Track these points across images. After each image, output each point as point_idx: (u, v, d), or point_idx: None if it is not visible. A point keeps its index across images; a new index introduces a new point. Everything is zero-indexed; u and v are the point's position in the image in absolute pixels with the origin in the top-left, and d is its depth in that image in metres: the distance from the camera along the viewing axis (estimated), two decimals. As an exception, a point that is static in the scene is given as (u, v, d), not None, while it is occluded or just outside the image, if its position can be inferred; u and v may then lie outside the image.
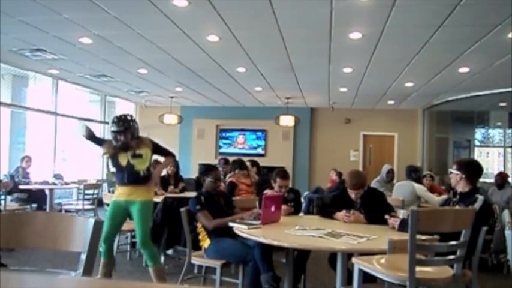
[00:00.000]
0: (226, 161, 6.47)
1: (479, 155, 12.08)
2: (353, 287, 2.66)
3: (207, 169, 3.96)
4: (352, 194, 3.57)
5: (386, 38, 5.35)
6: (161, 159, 4.25)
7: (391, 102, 10.64)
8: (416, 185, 5.73)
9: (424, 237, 2.62)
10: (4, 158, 7.97)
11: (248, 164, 5.98)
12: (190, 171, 10.70)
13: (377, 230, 3.09)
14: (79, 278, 1.27)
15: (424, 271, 2.47)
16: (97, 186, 7.27)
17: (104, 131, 10.84)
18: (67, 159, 10.32)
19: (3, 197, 6.01)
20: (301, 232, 2.97)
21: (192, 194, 4.25)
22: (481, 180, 3.99)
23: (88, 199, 7.03)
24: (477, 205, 2.95)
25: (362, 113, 11.95)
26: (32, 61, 7.27)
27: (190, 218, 3.55)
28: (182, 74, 8.08)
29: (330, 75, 7.78)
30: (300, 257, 3.61)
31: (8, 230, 1.48)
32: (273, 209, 3.38)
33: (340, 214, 3.47)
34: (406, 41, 5.55)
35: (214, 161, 9.69)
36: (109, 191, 6.69)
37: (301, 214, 4.43)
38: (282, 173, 3.99)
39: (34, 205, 7.10)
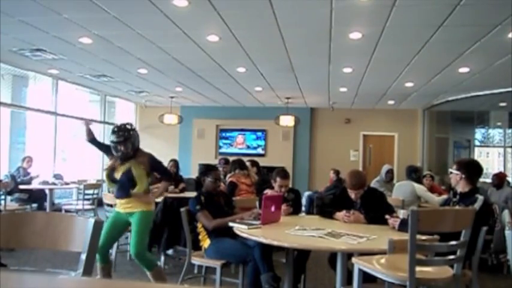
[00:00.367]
0: (227, 161, 6.47)
1: (479, 155, 12.09)
2: (353, 287, 2.65)
3: (207, 169, 3.95)
4: (352, 194, 3.57)
5: (386, 38, 5.35)
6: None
7: (391, 102, 10.64)
8: (416, 185, 5.73)
9: (424, 237, 2.62)
10: (4, 158, 7.97)
11: (248, 164, 5.98)
12: (190, 171, 10.69)
13: (377, 230, 3.09)
14: (79, 278, 1.27)
15: (424, 271, 2.47)
16: (97, 186, 7.27)
17: (104, 131, 10.85)
18: (67, 159, 10.32)
19: (3, 197, 6.02)
20: (301, 232, 2.97)
21: (192, 194, 4.25)
22: (481, 180, 4.00)
23: (88, 199, 7.03)
24: (477, 205, 2.95)
25: (362, 113, 11.95)
26: (32, 61, 7.27)
27: (190, 218, 3.55)
28: (182, 74, 8.08)
29: (330, 75, 7.77)
30: (300, 257, 3.61)
31: (8, 230, 1.48)
32: (273, 209, 3.38)
33: (340, 214, 3.47)
34: (406, 41, 5.55)
35: (214, 161, 9.68)
36: (109, 191, 6.68)
37: (303, 214, 4.44)
38: (282, 173, 3.99)
39: (34, 205, 7.11)
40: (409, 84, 8.39)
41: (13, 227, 1.50)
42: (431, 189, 6.17)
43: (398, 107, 11.36)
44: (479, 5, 4.31)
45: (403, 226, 2.98)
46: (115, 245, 4.67)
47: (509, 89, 8.00)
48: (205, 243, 3.55)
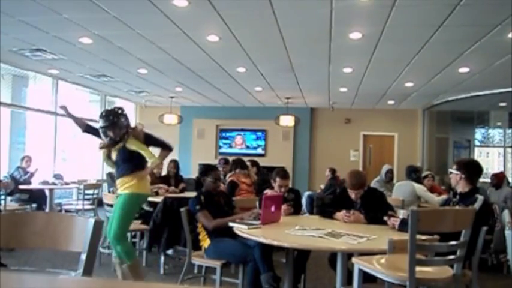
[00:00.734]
0: (226, 161, 6.47)
1: (479, 155, 12.07)
2: (353, 287, 2.66)
3: (207, 169, 3.95)
4: (352, 194, 3.57)
5: (386, 38, 5.35)
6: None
7: (391, 102, 10.65)
8: (416, 185, 5.73)
9: (424, 237, 2.62)
10: (4, 158, 7.97)
11: (248, 164, 5.98)
12: (190, 171, 10.69)
13: (377, 230, 3.09)
14: (79, 278, 1.28)
15: (424, 271, 2.47)
16: (97, 186, 7.27)
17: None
18: (67, 159, 10.32)
19: (3, 197, 6.02)
20: (301, 232, 2.97)
21: (192, 194, 4.24)
22: (481, 180, 3.99)
23: (88, 199, 7.04)
24: (477, 205, 2.95)
25: (362, 113, 11.95)
26: (32, 61, 7.27)
27: (190, 218, 3.55)
28: (182, 74, 8.08)
29: (330, 75, 7.77)
30: (300, 257, 3.61)
31: (8, 230, 1.48)
32: (273, 209, 3.38)
33: (340, 214, 3.47)
34: (406, 41, 5.55)
35: (214, 161, 9.69)
36: (109, 191, 6.69)
37: (306, 214, 4.43)
38: (282, 173, 3.98)
39: (34, 205, 7.11)
40: (409, 84, 8.39)
41: (13, 227, 1.50)
42: (432, 190, 6.17)
43: (398, 107, 11.36)
44: (479, 5, 4.31)
45: (403, 226, 2.98)
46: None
47: (509, 89, 8.00)
48: (205, 243, 3.55)
